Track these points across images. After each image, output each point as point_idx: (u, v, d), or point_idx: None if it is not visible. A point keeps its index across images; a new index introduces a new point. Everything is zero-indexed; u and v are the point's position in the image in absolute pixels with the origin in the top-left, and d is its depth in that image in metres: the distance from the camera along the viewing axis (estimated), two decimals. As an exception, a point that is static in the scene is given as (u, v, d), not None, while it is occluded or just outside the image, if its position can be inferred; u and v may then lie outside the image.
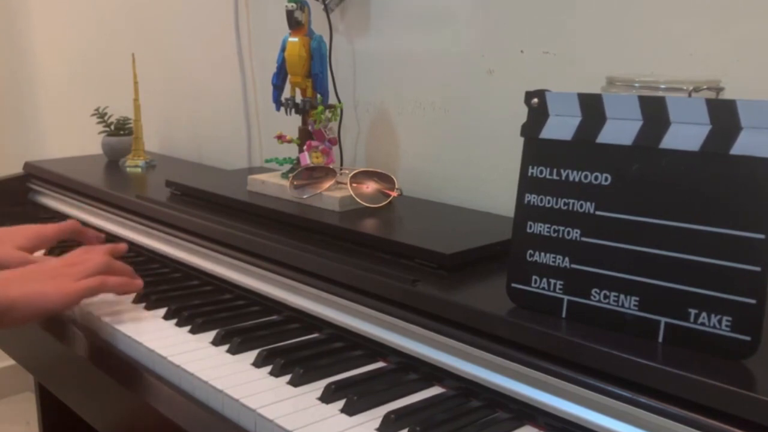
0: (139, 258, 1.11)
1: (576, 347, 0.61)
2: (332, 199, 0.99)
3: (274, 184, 1.07)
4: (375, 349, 0.79)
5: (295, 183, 1.03)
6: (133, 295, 0.95)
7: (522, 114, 0.69)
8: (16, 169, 1.49)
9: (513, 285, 0.69)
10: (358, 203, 0.98)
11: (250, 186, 1.11)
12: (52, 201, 1.38)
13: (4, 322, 0.80)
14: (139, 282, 0.92)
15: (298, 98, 1.13)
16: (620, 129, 0.63)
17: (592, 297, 0.64)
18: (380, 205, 0.99)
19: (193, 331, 0.85)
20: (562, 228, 0.66)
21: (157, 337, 0.83)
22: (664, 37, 0.86)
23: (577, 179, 0.65)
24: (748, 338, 0.57)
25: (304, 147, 1.09)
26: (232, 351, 0.79)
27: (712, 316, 0.58)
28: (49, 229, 1.01)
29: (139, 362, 0.81)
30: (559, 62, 0.96)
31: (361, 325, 0.79)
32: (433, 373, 0.73)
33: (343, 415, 0.66)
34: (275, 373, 0.74)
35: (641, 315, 0.62)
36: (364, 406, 0.67)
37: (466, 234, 0.92)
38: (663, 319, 0.61)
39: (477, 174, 1.07)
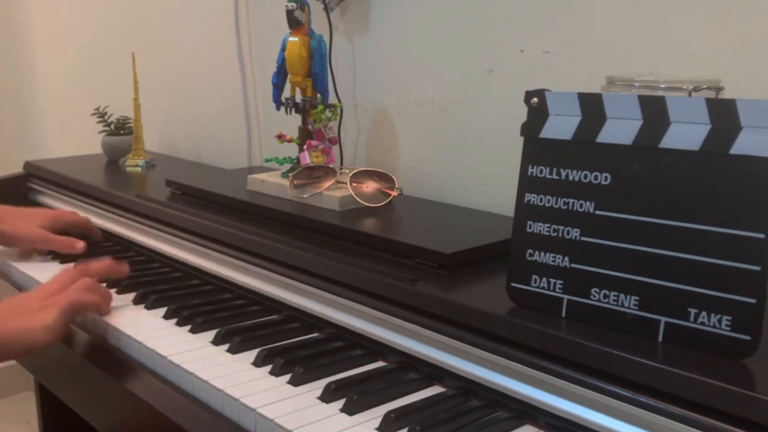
0: (139, 258, 1.11)
1: (576, 347, 0.61)
2: (332, 198, 0.99)
3: (274, 183, 1.07)
4: (375, 348, 0.79)
5: (295, 182, 1.03)
6: (133, 294, 0.95)
7: (522, 113, 0.69)
8: (17, 168, 1.49)
9: (513, 284, 0.69)
10: (358, 203, 0.98)
11: (250, 185, 1.11)
12: (53, 200, 1.38)
13: (2, 358, 0.79)
14: (106, 309, 0.90)
15: (298, 98, 1.13)
16: (620, 128, 0.63)
17: (592, 296, 0.64)
18: (380, 204, 0.99)
19: (193, 331, 0.85)
20: (561, 227, 0.66)
21: (157, 336, 0.83)
22: (664, 36, 0.86)
23: (576, 179, 0.65)
24: (748, 338, 0.57)
25: (304, 146, 1.09)
26: (232, 350, 0.79)
27: (712, 315, 0.58)
28: (65, 217, 1.16)
29: (139, 362, 0.81)
30: (559, 62, 0.96)
31: (361, 324, 0.79)
32: (433, 373, 0.73)
33: (343, 415, 0.66)
34: (275, 373, 0.74)
35: (641, 314, 0.62)
36: (364, 405, 0.67)
37: (466, 234, 0.92)
38: (663, 319, 0.61)
39: (477, 173, 1.07)
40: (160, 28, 1.69)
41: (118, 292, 0.97)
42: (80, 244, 1.10)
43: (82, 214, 1.27)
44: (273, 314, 0.90)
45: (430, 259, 0.80)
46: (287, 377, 0.73)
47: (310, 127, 1.09)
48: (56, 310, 0.82)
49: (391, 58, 1.18)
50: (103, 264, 0.94)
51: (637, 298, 0.62)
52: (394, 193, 1.01)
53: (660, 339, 0.61)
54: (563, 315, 0.66)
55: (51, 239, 1.09)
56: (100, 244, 1.19)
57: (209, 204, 1.10)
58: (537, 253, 0.68)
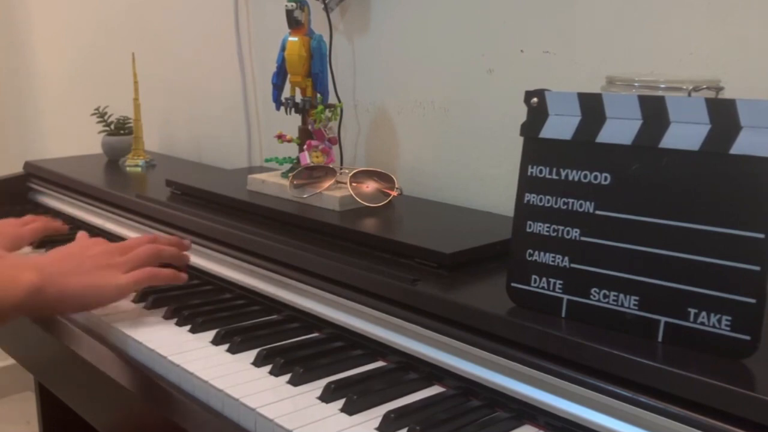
0: (139, 257, 1.11)
1: (576, 347, 0.61)
2: (332, 198, 0.99)
3: (274, 183, 1.07)
4: (375, 348, 0.79)
5: (295, 182, 1.03)
6: (133, 295, 0.95)
7: (522, 113, 0.69)
8: (17, 168, 1.49)
9: (513, 284, 0.69)
10: (358, 203, 0.98)
11: (250, 185, 1.11)
12: (53, 200, 1.38)
13: (61, 310, 0.82)
14: (184, 276, 0.93)
15: (298, 98, 1.13)
16: (620, 128, 0.63)
17: (591, 296, 0.64)
18: (380, 204, 0.99)
19: (193, 331, 0.85)
20: (561, 227, 0.66)
21: (157, 336, 0.83)
22: (664, 36, 0.86)
23: (576, 179, 0.65)
24: (747, 337, 0.57)
25: (304, 146, 1.09)
26: (232, 350, 0.79)
27: (712, 315, 0.58)
28: (25, 232, 1.07)
29: (139, 362, 0.81)
30: (559, 62, 0.96)
31: (361, 324, 0.79)
32: (432, 373, 0.73)
33: (343, 415, 0.66)
34: (275, 373, 0.74)
35: (641, 314, 0.62)
36: (363, 405, 0.67)
37: (466, 234, 0.92)
38: (663, 319, 0.61)
39: (477, 174, 1.07)
40: (160, 28, 1.69)
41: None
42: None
43: (81, 214, 1.27)
44: (273, 314, 0.90)
45: (430, 259, 0.80)
46: (287, 377, 0.73)
47: (310, 127, 1.09)
48: (133, 277, 0.86)
49: (391, 58, 1.18)
50: (173, 250, 0.95)
51: (637, 298, 0.62)
52: (394, 193, 1.01)
53: (660, 339, 0.61)
54: (563, 315, 0.66)
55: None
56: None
57: (209, 204, 1.10)
58: (537, 253, 0.68)
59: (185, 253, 0.96)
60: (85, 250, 0.88)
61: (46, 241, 1.16)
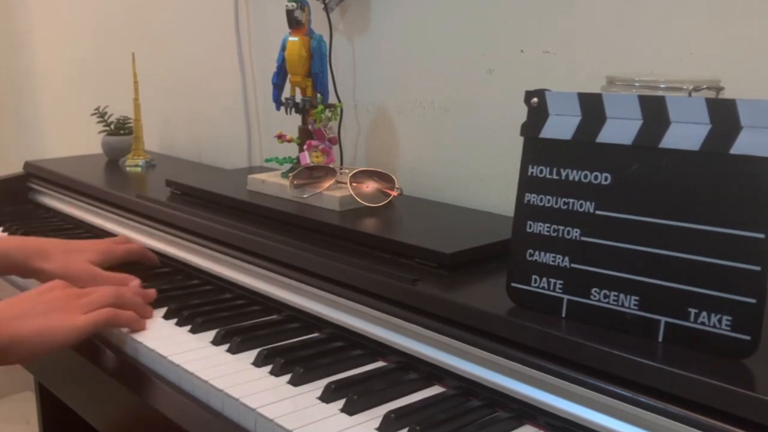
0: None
1: (576, 347, 0.61)
2: (332, 198, 0.99)
3: (274, 183, 1.07)
4: (375, 348, 0.79)
5: (295, 182, 1.03)
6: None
7: (522, 113, 0.69)
8: (17, 168, 1.49)
9: (513, 284, 0.69)
10: (358, 203, 0.98)
11: (250, 185, 1.11)
12: (53, 200, 1.38)
13: (10, 359, 0.76)
14: (143, 322, 0.86)
15: (298, 98, 1.13)
16: (620, 128, 0.63)
17: (592, 296, 0.64)
18: (380, 204, 0.99)
19: (193, 331, 0.85)
20: (561, 227, 0.66)
21: (157, 336, 0.83)
22: (664, 36, 0.86)
23: (577, 179, 0.65)
24: (748, 337, 0.57)
25: (304, 146, 1.09)
26: (233, 350, 0.79)
27: (712, 315, 0.58)
28: (119, 249, 1.03)
29: (139, 362, 0.81)
30: (559, 62, 0.96)
31: (361, 324, 0.79)
32: (433, 373, 0.73)
33: (344, 415, 0.66)
34: (275, 373, 0.74)
35: (641, 314, 0.62)
36: (364, 405, 0.67)
37: (466, 234, 0.92)
38: (663, 319, 0.61)
39: (477, 174, 1.07)
40: (160, 28, 1.69)
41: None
42: (135, 282, 0.97)
43: (81, 214, 1.27)
44: (273, 314, 0.90)
45: (430, 259, 0.80)
46: (287, 377, 0.73)
47: (310, 127, 1.09)
48: (91, 318, 0.81)
49: (391, 58, 1.17)
50: (137, 300, 0.89)
51: (637, 298, 0.62)
52: (394, 193, 1.01)
53: (660, 339, 0.61)
54: (563, 315, 0.66)
55: (101, 277, 0.96)
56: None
57: (209, 204, 1.10)
58: (537, 253, 0.68)
59: (142, 321, 0.87)
60: (42, 294, 0.83)
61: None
